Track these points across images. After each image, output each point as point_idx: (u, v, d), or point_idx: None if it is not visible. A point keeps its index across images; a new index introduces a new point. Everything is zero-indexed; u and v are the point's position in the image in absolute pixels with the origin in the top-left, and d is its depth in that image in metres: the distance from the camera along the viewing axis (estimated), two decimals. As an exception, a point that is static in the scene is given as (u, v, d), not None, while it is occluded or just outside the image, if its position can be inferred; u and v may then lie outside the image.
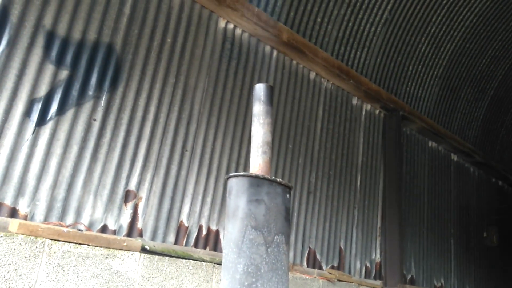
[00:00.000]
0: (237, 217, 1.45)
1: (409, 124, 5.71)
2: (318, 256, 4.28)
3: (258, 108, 1.72)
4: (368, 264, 4.81)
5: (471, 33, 6.06)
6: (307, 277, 3.78)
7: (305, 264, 4.13)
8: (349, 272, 4.53)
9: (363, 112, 5.22)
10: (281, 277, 1.42)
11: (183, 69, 3.50)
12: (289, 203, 1.62)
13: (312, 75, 4.64)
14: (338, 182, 4.70)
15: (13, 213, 2.60)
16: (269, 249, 1.42)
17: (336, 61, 4.62)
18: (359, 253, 4.74)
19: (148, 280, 2.80)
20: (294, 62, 4.43)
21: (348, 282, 4.19)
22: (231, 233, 1.43)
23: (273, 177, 1.61)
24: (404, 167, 5.56)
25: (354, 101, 5.13)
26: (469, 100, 6.75)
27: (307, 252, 4.20)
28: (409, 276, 5.32)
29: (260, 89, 1.74)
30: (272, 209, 1.51)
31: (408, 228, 5.43)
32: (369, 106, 5.29)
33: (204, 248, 3.46)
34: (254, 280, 1.34)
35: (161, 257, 2.89)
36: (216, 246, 3.53)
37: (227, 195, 1.57)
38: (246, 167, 3.82)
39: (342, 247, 4.56)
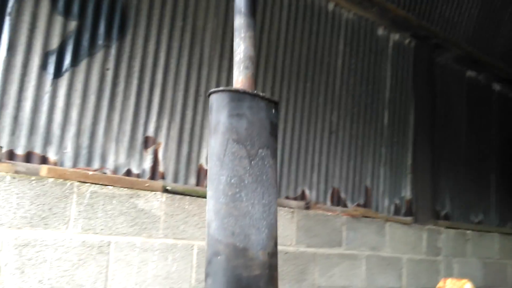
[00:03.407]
0: (218, 131, 1.70)
1: (443, 53, 5.86)
2: (342, 195, 4.72)
3: (239, 21, 1.84)
4: (397, 202, 5.21)
5: None
6: (329, 214, 4.23)
7: (328, 203, 4.59)
8: (377, 210, 4.96)
9: (390, 43, 5.42)
10: (267, 189, 1.73)
11: (190, 10, 3.85)
12: (276, 118, 1.80)
13: (331, 6, 4.86)
14: (362, 120, 5.03)
15: (44, 160, 3.14)
16: (252, 162, 1.68)
17: (357, -14, 4.79)
18: (387, 191, 5.13)
19: (171, 217, 3.34)
20: (310, -7, 4.65)
21: (374, 218, 4.62)
22: (213, 148, 1.69)
23: (255, 91, 1.79)
24: (438, 101, 5.78)
25: (380, 31, 5.32)
26: (515, 22, 6.72)
27: (330, 191, 4.64)
28: (443, 213, 5.70)
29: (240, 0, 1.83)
30: (255, 123, 1.72)
31: (442, 164, 5.74)
32: (396, 36, 5.46)
33: (225, 189, 3.95)
34: (237, 190, 1.62)
35: (182, 196, 3.40)
36: (236, 187, 4.01)
37: (209, 112, 1.80)
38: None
39: (368, 185, 4.97)
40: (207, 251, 1.63)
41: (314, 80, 4.67)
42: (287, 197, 4.31)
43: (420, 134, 5.45)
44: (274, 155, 1.80)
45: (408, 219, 5.13)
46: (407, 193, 5.33)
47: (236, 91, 1.77)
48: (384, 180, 5.14)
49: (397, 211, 5.19)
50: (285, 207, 4.03)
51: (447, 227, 5.42)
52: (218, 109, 1.74)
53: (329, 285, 4.18)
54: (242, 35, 1.85)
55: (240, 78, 1.83)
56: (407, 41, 5.58)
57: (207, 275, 1.62)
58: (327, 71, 4.79)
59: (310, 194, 4.49)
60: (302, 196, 4.44)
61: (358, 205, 4.82)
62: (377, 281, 4.61)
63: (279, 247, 3.74)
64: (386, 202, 5.12)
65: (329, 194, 4.64)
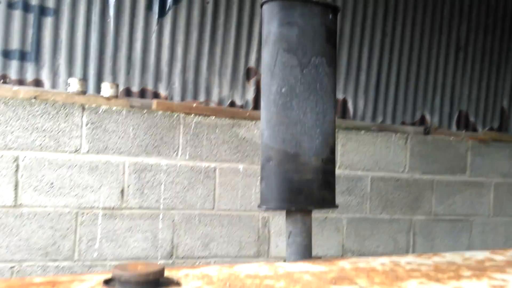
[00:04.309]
0: (269, 42, 1.75)
1: None
2: (471, 119, 4.46)
3: None
4: (543, 124, 4.73)
5: None
6: (451, 138, 4.06)
7: (454, 127, 4.39)
8: (515, 134, 4.59)
9: None
10: (321, 97, 1.76)
11: None
12: (333, 24, 1.76)
13: None
14: (499, 32, 4.58)
15: (156, 96, 3.62)
16: (304, 71, 1.70)
17: None
18: (530, 112, 4.67)
19: (272, 145, 3.59)
20: None
21: (508, 142, 4.29)
22: (265, 59, 1.77)
23: (309, -3, 1.76)
24: None
25: None
26: None
27: (456, 114, 4.41)
28: None
29: None
30: (308, 31, 1.72)
31: None
32: None
33: (333, 116, 4.05)
34: (288, 99, 1.70)
35: (283, 124, 3.61)
36: (344, 114, 4.08)
37: (261, 24, 1.84)
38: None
39: (505, 107, 4.58)
40: (261, 158, 1.79)
41: (436, -10, 4.35)
42: (403, 123, 4.24)
43: None
44: (330, 63, 1.78)
45: (558, 143, 4.63)
46: (558, 114, 4.78)
47: (287, -1, 1.77)
48: (526, 100, 4.67)
49: (543, 134, 4.72)
50: (397, 132, 3.99)
51: None
52: (269, 20, 1.77)
53: (448, 213, 4.11)
54: None
55: (295, -14, 1.82)
56: None
57: (261, 179, 1.79)
58: (453, -22, 4.40)
59: (431, 119, 4.34)
60: (422, 121, 4.31)
61: (491, 129, 4.51)
62: (508, 210, 4.35)
63: (389, 174, 3.80)
64: (528, 125, 4.69)
65: (454, 118, 4.43)
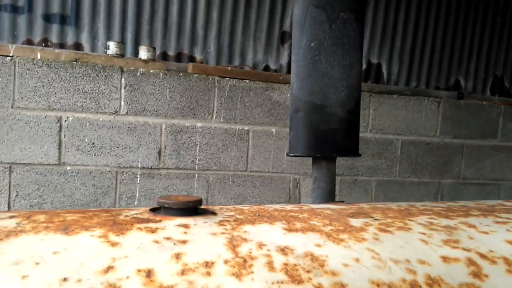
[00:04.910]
0: None
1: None
2: (506, 84, 4.42)
3: None
4: None
5: None
6: (484, 103, 4.06)
7: (488, 92, 4.37)
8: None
9: None
10: (348, 51, 1.85)
11: None
12: None
13: None
14: (541, -7, 4.46)
15: (191, 60, 3.75)
16: (333, 26, 1.79)
17: None
18: None
19: (304, 108, 3.68)
20: None
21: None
22: (296, 15, 1.87)
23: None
24: None
25: None
26: None
27: (491, 80, 4.40)
28: None
29: None
30: None
31: None
32: None
33: (366, 81, 4.10)
34: (317, 53, 1.79)
35: (315, 88, 3.69)
36: (378, 78, 4.12)
37: None
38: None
39: (544, 71, 4.52)
40: (290, 109, 1.92)
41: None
42: (437, 87, 4.26)
43: None
44: (358, 19, 1.86)
45: None
46: None
47: (318, -46, 1.87)
48: None
49: None
50: (430, 97, 4.01)
51: None
52: None
53: (476, 177, 4.15)
54: None
55: None
56: None
57: (290, 129, 1.93)
58: None
59: (466, 84, 4.33)
60: (456, 87, 4.31)
61: (527, 94, 4.47)
62: (540, 177, 4.36)
63: (420, 138, 3.87)
64: None
65: (489, 83, 4.41)
